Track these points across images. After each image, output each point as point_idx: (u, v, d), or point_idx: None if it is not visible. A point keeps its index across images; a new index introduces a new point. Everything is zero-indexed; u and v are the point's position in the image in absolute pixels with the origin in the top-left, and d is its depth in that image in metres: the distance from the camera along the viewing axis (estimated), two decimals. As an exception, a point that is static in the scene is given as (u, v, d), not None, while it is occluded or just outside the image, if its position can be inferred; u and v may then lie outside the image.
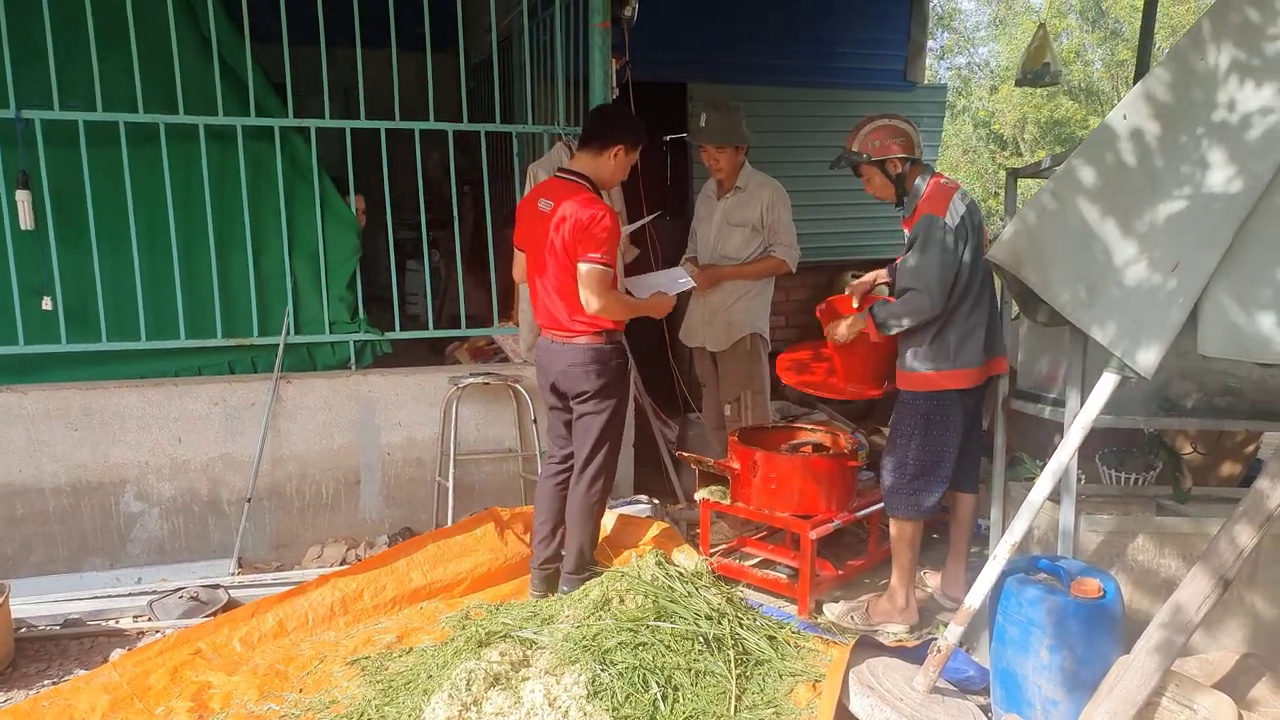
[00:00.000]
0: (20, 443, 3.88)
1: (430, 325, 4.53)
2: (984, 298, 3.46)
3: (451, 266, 5.93)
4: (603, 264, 3.30)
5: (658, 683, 2.94)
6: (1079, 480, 3.78)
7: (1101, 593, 2.68)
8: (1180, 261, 2.64)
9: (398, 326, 4.46)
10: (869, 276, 3.87)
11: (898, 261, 3.52)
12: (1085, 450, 3.96)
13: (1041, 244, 2.83)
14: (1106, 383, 2.69)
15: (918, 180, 3.48)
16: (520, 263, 3.67)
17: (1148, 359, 2.62)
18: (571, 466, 3.65)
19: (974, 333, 3.43)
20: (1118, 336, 2.68)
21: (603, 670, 2.94)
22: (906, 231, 3.52)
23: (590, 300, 3.32)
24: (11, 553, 3.92)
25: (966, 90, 23.84)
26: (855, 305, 3.77)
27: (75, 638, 3.56)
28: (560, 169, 3.53)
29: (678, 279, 3.79)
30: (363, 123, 4.24)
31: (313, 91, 4.28)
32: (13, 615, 3.48)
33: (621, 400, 3.55)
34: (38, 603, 3.69)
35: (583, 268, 3.31)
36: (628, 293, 3.64)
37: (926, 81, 7.70)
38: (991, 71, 23.85)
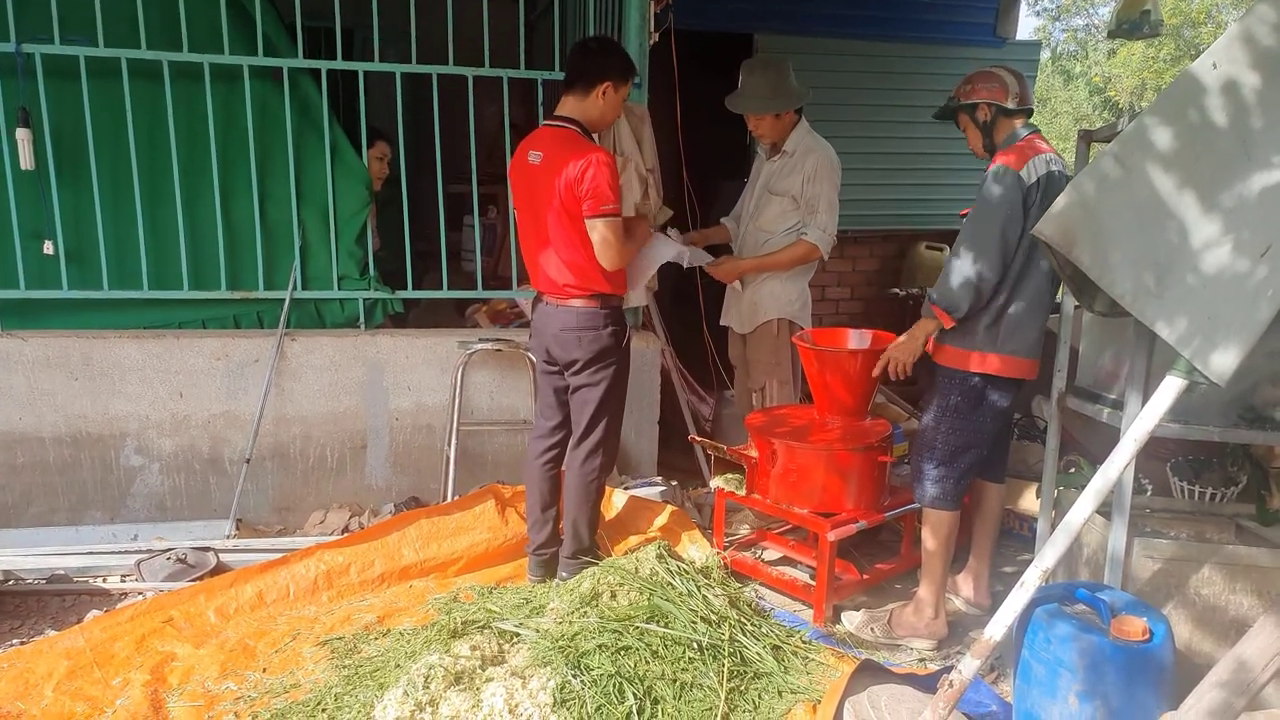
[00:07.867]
0: (21, 390, 3.79)
1: (444, 285, 4.26)
2: (1041, 276, 3.03)
3: (506, 223, 5.63)
4: (611, 214, 3.03)
5: (635, 694, 2.65)
6: (1146, 492, 3.33)
7: (1147, 635, 2.27)
8: (1273, 246, 2.17)
9: (410, 285, 4.20)
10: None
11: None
12: (1158, 454, 3.49)
13: (1100, 219, 2.37)
14: (1169, 387, 2.24)
15: (1012, 133, 3.09)
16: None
17: (1223, 363, 2.17)
18: (560, 441, 3.38)
19: (1028, 315, 3.02)
20: (1188, 334, 2.23)
21: (574, 676, 2.66)
22: None
23: (609, 257, 3.08)
24: (12, 501, 3.85)
25: (1083, 54, 22.41)
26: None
27: (58, 594, 3.46)
28: (549, 116, 3.20)
29: (678, 251, 3.54)
30: (376, 65, 3.97)
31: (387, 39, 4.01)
32: (-9, 570, 3.40)
33: (620, 370, 3.25)
34: (28, 555, 3.59)
35: (593, 225, 3.04)
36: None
37: (1021, 38, 7.03)
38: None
